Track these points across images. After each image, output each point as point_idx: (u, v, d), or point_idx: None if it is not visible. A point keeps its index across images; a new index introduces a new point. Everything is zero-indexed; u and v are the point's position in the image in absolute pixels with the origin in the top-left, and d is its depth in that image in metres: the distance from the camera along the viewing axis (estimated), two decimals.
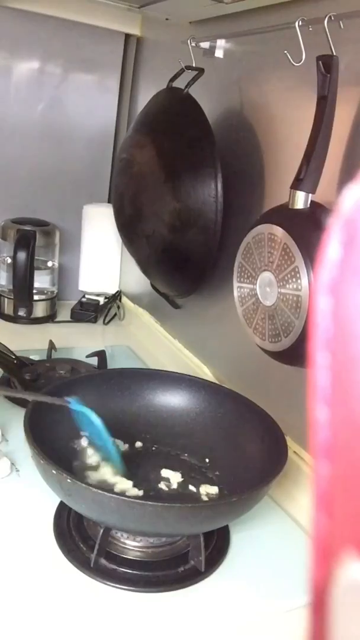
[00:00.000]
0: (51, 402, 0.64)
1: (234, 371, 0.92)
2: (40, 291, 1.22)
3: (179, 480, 0.69)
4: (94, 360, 0.99)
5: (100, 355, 0.99)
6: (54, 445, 0.62)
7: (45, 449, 0.57)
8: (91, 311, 1.27)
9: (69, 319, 1.26)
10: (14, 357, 0.93)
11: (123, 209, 1.02)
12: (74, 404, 0.64)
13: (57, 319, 1.26)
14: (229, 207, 0.83)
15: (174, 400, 0.78)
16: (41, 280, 1.22)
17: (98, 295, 1.31)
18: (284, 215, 0.66)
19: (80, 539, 0.61)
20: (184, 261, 0.90)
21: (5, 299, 1.21)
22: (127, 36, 1.23)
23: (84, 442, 0.68)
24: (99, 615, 0.54)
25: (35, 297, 1.19)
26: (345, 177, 0.66)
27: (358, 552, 0.16)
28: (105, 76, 1.24)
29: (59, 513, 0.65)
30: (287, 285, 0.64)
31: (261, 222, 0.69)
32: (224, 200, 0.83)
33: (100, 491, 0.52)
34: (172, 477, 0.69)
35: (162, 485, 0.68)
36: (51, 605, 0.54)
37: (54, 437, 0.65)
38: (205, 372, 0.98)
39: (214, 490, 0.68)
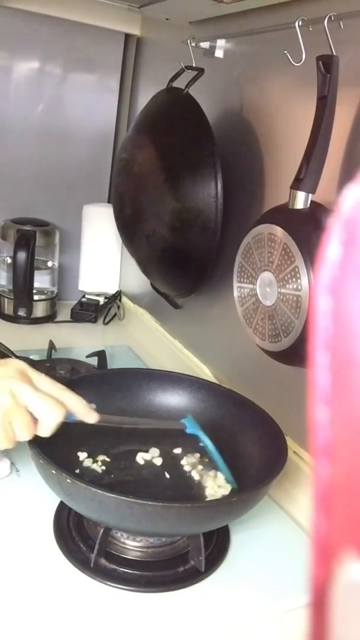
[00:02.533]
0: (167, 427, 0.71)
1: (234, 371, 0.92)
2: (40, 291, 1.22)
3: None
4: (94, 360, 0.99)
5: (100, 355, 0.99)
6: (54, 446, 0.62)
7: (45, 449, 0.57)
8: (91, 311, 1.27)
9: (69, 319, 1.26)
10: (14, 357, 0.93)
11: (123, 209, 1.02)
12: (190, 427, 0.70)
13: (57, 319, 1.26)
14: (229, 207, 0.83)
15: (174, 400, 0.78)
16: (41, 280, 1.22)
17: (98, 295, 1.30)
18: (284, 215, 0.66)
19: (80, 539, 0.61)
20: (184, 261, 0.90)
21: (5, 299, 1.21)
22: (127, 36, 1.23)
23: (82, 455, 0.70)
24: (99, 615, 0.54)
25: (35, 297, 1.20)
26: (345, 177, 0.66)
27: (358, 552, 0.16)
28: (105, 76, 1.24)
29: (59, 513, 0.65)
30: (287, 285, 0.64)
31: (261, 222, 0.69)
32: (224, 200, 0.83)
33: (100, 491, 0.52)
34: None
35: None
36: (51, 605, 0.54)
37: (54, 437, 0.65)
38: (205, 372, 0.98)
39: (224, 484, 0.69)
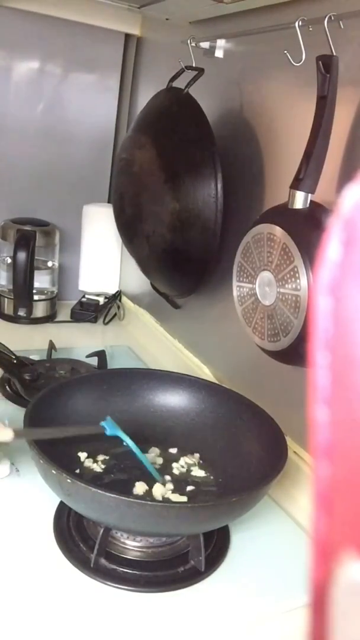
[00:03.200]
0: (87, 432, 0.67)
1: (234, 371, 0.92)
2: (40, 291, 1.23)
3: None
4: (94, 360, 0.99)
5: (100, 355, 0.99)
6: (54, 446, 0.62)
7: (45, 449, 0.57)
8: (91, 311, 1.27)
9: (69, 319, 1.26)
10: (14, 357, 0.93)
11: (123, 209, 1.02)
12: (109, 429, 0.66)
13: (57, 319, 1.26)
14: (229, 207, 0.83)
15: (174, 400, 0.78)
16: (41, 280, 1.22)
17: (98, 295, 1.31)
18: (284, 215, 0.66)
19: (80, 539, 0.61)
20: (184, 261, 0.90)
21: (5, 299, 1.21)
22: (127, 36, 1.23)
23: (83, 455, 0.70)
24: (99, 615, 0.54)
25: (35, 297, 1.19)
26: (345, 177, 0.66)
27: (358, 552, 0.16)
28: (105, 76, 1.24)
29: (59, 513, 0.65)
30: (286, 285, 0.64)
31: (260, 221, 0.69)
32: (224, 200, 0.83)
33: (100, 491, 0.52)
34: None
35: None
36: (51, 605, 0.54)
37: (54, 437, 0.65)
38: (205, 372, 0.98)
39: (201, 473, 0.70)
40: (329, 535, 0.17)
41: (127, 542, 0.61)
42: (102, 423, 0.66)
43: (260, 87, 0.83)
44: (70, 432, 0.65)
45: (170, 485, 0.67)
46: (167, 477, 0.69)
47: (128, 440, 0.66)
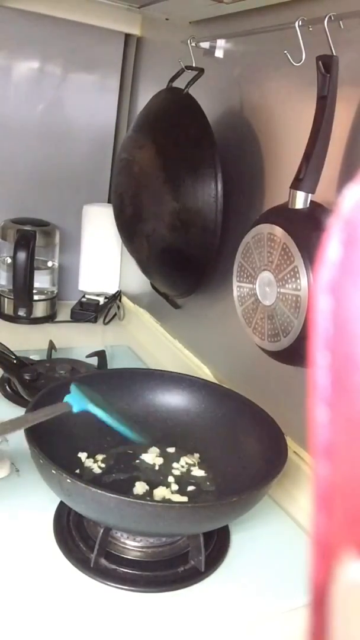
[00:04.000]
0: (55, 413, 0.62)
1: (234, 371, 0.92)
2: (40, 291, 1.23)
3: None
4: (94, 360, 0.99)
5: (100, 355, 0.99)
6: (54, 446, 0.62)
7: (45, 449, 0.57)
8: (91, 311, 1.27)
9: (69, 319, 1.26)
10: (14, 357, 0.93)
11: (123, 209, 1.02)
12: (75, 404, 0.63)
13: (57, 319, 1.26)
14: (229, 207, 0.83)
15: (174, 400, 0.78)
16: (41, 280, 1.22)
17: (98, 295, 1.31)
18: (284, 215, 0.66)
19: (80, 539, 0.61)
20: (184, 261, 0.90)
21: (5, 299, 1.21)
22: (127, 36, 1.23)
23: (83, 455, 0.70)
24: (99, 615, 0.54)
25: (35, 297, 1.20)
26: (345, 177, 0.66)
27: (358, 552, 0.16)
28: (105, 76, 1.24)
29: (59, 513, 0.65)
30: (287, 285, 0.64)
31: (261, 221, 0.69)
32: (224, 200, 0.83)
33: (100, 491, 0.52)
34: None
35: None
36: (51, 605, 0.54)
37: (54, 437, 0.65)
38: (205, 372, 0.98)
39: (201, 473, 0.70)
40: (329, 535, 0.17)
41: (127, 542, 0.61)
42: (67, 397, 0.63)
43: (260, 87, 0.83)
44: (34, 419, 0.60)
45: (174, 487, 0.67)
46: (171, 479, 0.69)
47: (97, 411, 0.63)
